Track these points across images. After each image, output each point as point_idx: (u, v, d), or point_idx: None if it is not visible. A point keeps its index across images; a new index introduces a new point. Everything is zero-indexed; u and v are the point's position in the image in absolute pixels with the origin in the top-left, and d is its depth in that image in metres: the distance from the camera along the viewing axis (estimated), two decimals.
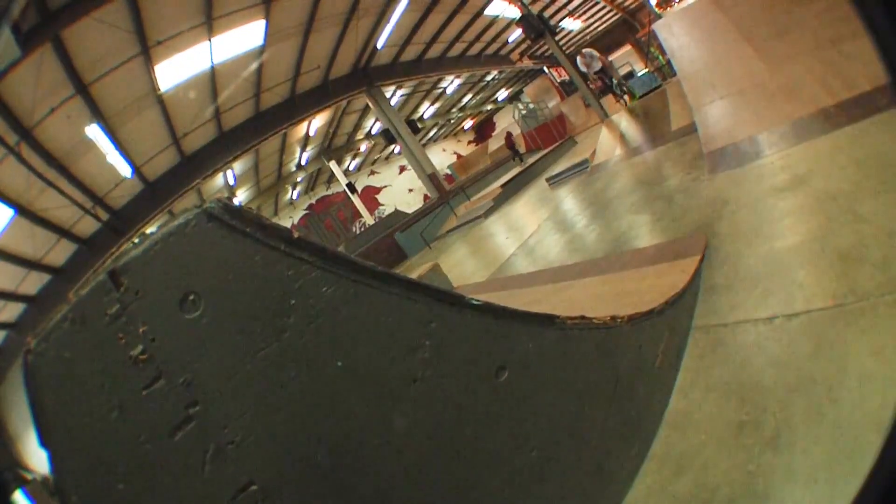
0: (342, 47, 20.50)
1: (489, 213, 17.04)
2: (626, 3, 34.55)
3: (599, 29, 39.27)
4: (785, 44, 6.19)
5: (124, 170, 16.69)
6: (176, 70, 15.11)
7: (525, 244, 8.96)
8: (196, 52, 15.09)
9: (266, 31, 16.14)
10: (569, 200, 10.89)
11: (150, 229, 22.51)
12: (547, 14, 25.21)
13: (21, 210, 14.55)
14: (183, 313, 1.63)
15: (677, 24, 8.36)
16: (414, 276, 7.77)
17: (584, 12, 33.52)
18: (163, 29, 13.36)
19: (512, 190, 18.24)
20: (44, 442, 1.52)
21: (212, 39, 14.98)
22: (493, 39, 29.36)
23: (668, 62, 20.22)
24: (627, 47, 36.84)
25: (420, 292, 2.04)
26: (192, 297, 1.64)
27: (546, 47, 28.48)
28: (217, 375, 1.66)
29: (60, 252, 17.83)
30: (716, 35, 7.34)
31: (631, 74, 32.51)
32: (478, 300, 2.19)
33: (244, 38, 15.89)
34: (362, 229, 35.13)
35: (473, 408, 2.13)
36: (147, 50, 13.51)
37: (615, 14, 36.09)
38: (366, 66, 23.49)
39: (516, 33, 28.66)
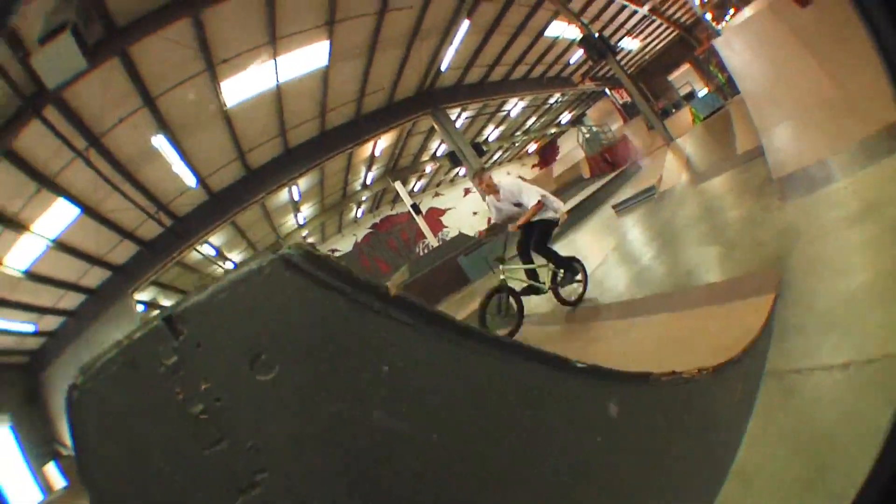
0: (406, 69, 20.50)
1: (555, 239, 16.35)
2: (683, 19, 33.51)
3: (657, 48, 38.25)
4: (847, 53, 5.78)
5: (189, 180, 16.97)
6: (241, 87, 15.27)
7: (592, 274, 8.50)
8: (261, 71, 15.21)
9: (330, 52, 16.15)
10: (636, 229, 10.67)
11: (212, 238, 23.04)
12: (606, 34, 24.77)
13: (87, 210, 15.18)
14: (254, 374, 1.41)
15: (738, 38, 7.93)
16: (478, 301, 7.50)
17: (642, 31, 32.67)
18: (228, 48, 13.57)
19: (578, 216, 17.58)
20: (83, 479, 1.43)
21: (276, 59, 15.08)
22: (555, 61, 28.95)
23: (729, 80, 19.35)
24: (686, 66, 35.64)
25: (522, 355, 1.87)
26: (264, 357, 1.41)
27: (608, 68, 28.03)
28: (290, 442, 1.46)
29: (123, 251, 18.61)
30: (777, 48, 6.92)
31: (691, 95, 31.54)
32: (583, 363, 2.05)
33: (308, 58, 15.94)
34: (426, 251, 35.18)
35: (568, 470, 1.97)
36: (213, 67, 13.74)
37: (672, 31, 35.02)
38: (430, 89, 23.40)
39: (577, 54, 28.19)
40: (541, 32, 23.97)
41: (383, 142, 26.84)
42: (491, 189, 7.51)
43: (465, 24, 18.09)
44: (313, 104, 18.94)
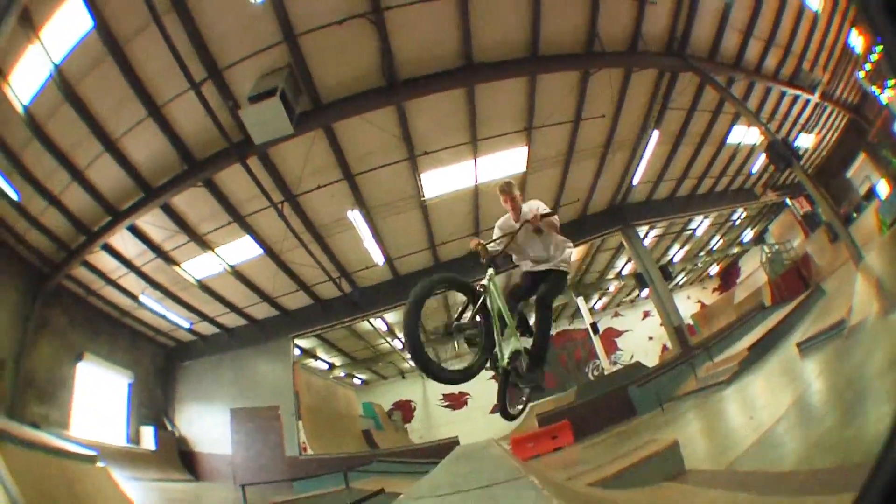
0: (600, 182, 20.09)
1: (732, 379, 14.21)
2: (850, 99, 28.58)
3: (831, 140, 31.97)
4: None
5: (377, 257, 17.62)
6: (440, 182, 15.62)
7: (771, 431, 7.09)
8: (461, 169, 15.50)
9: (528, 158, 16.16)
10: (822, 377, 8.89)
11: (387, 315, 23.23)
12: (782, 133, 22.13)
13: (270, 253, 16.39)
14: None
15: None
16: (651, 449, 6.87)
17: (815, 123, 28.19)
18: (430, 141, 14.04)
19: (758, 353, 15.37)
20: None
21: (476, 159, 15.33)
22: (738, 172, 26.65)
23: None
24: (861, 157, 28.76)
25: None
26: None
27: (789, 172, 25.13)
28: None
29: (295, 299, 20.04)
30: None
31: (871, 193, 25.47)
32: None
33: (507, 161, 16.00)
34: (595, 371, 34.30)
35: None
36: (414, 157, 14.22)
37: (842, 117, 29.50)
38: (622, 203, 22.72)
39: (758, 162, 25.74)
40: (723, 140, 22.33)
41: (574, 255, 25.80)
42: (515, 204, 5.52)
43: (654, 135, 17.43)
44: None
